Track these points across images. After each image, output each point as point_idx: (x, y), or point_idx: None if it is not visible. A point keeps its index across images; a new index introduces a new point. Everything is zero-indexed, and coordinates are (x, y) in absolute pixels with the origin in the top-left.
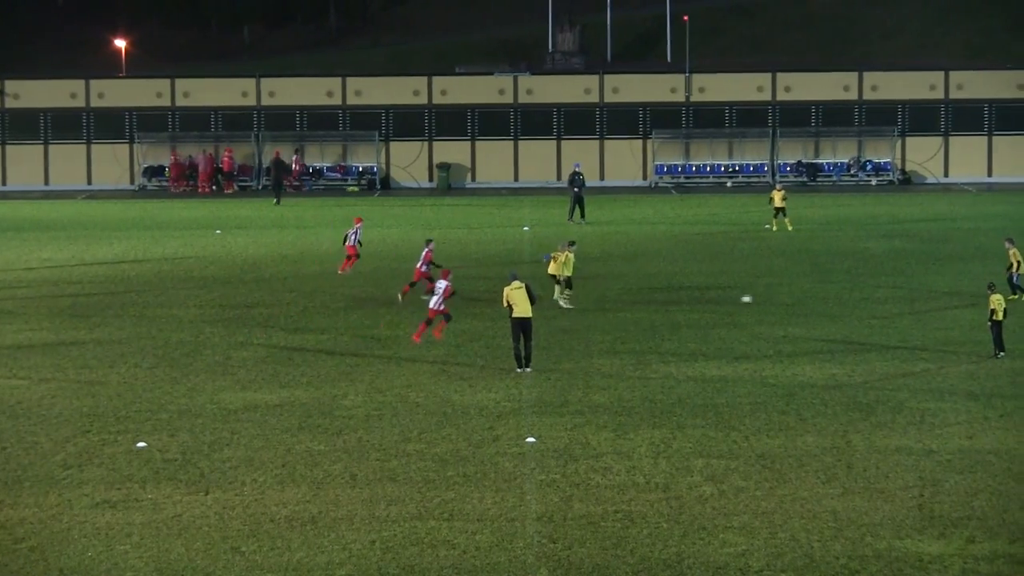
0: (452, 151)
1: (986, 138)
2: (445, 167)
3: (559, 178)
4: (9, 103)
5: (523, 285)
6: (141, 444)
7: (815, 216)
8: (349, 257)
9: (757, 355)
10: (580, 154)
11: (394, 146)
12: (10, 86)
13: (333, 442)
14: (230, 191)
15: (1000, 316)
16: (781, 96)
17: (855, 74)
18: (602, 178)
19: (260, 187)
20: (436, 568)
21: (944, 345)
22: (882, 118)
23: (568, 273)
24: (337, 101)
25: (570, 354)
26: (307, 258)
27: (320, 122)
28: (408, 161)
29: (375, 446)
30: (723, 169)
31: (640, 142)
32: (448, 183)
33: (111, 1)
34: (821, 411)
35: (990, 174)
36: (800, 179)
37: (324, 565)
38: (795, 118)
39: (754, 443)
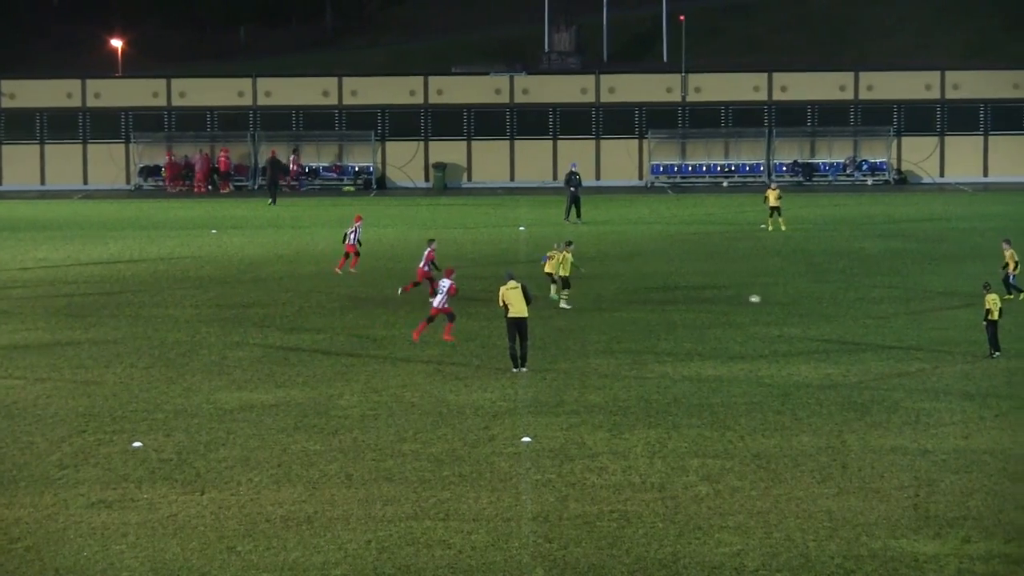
0: (448, 151)
1: (982, 138)
2: (441, 167)
3: (555, 178)
4: (5, 103)
5: (519, 285)
6: (137, 444)
7: (811, 216)
8: (347, 255)
9: (753, 355)
10: (576, 154)
11: (390, 146)
12: (6, 86)
13: (329, 442)
14: (226, 191)
15: (996, 316)
16: (777, 96)
17: (851, 74)
18: (598, 178)
19: (256, 187)
20: (432, 568)
21: (940, 345)
22: (878, 118)
23: (565, 273)
24: (333, 101)
25: (566, 354)
26: (303, 258)
27: (316, 122)
28: (404, 161)
29: (371, 446)
30: (719, 169)
31: (636, 142)
32: (444, 183)
33: (107, 1)
34: (816, 411)
35: (986, 174)
36: (796, 179)
37: (320, 565)
38: (791, 118)
39: (750, 443)
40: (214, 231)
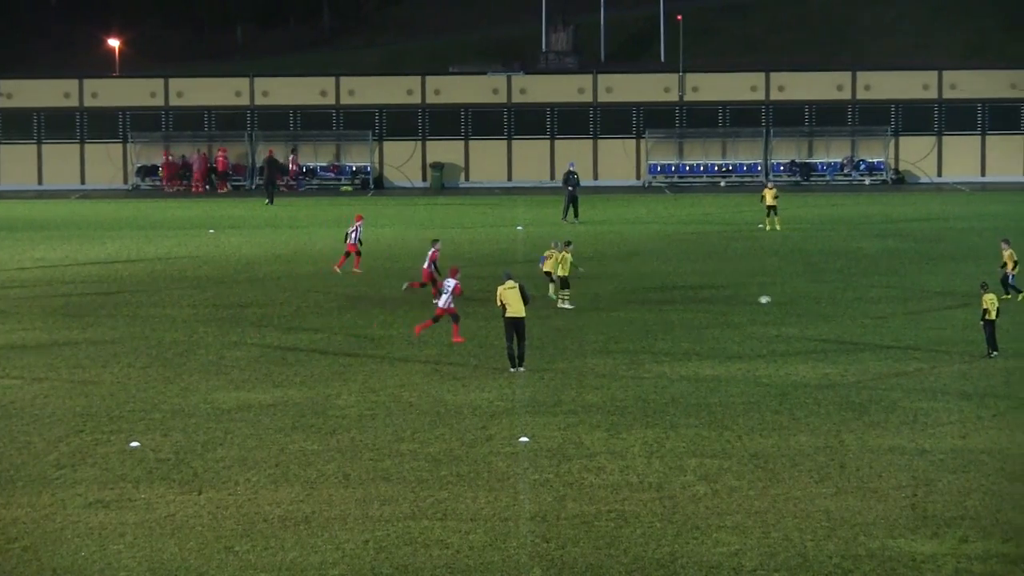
0: (445, 151)
1: (979, 138)
2: (438, 167)
3: (553, 178)
4: (2, 103)
5: (516, 285)
6: (134, 444)
7: (808, 216)
8: (348, 254)
9: (750, 355)
10: (574, 154)
11: (387, 146)
12: (3, 86)
13: (326, 442)
14: (224, 191)
15: (993, 316)
16: (775, 96)
17: (848, 74)
18: (596, 178)
19: (253, 187)
20: (429, 568)
21: (937, 345)
22: (875, 118)
23: (564, 273)
24: (331, 101)
25: (563, 353)
26: (301, 258)
27: (313, 122)
28: (401, 161)
29: (368, 446)
30: (716, 169)
31: (634, 142)
32: (441, 183)
33: (104, 1)
34: (814, 411)
35: (983, 174)
36: (793, 179)
37: (317, 565)
38: (788, 118)
39: (747, 443)
40: (211, 231)
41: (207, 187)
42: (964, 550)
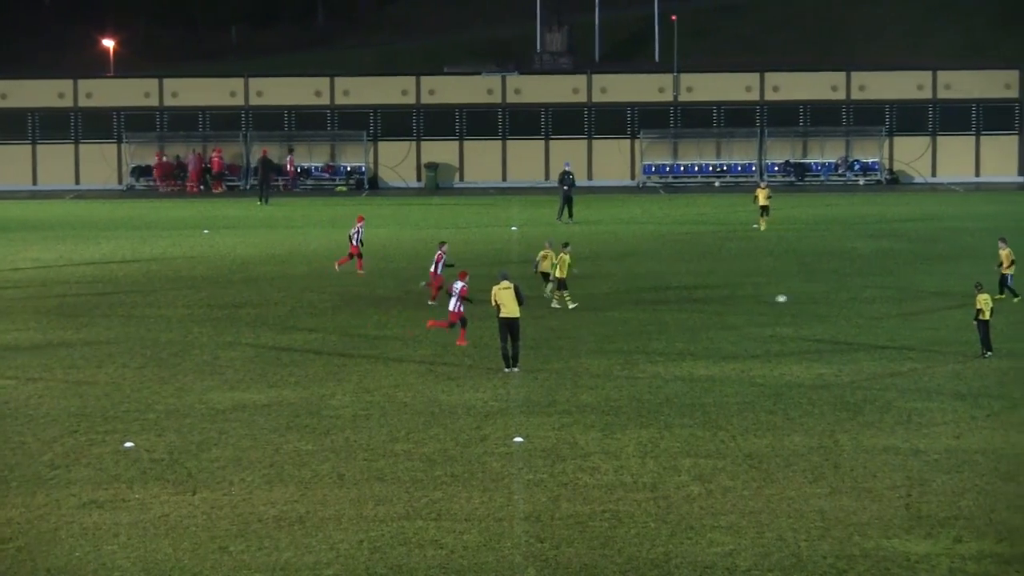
0: (440, 151)
1: (974, 138)
2: (433, 167)
3: (547, 178)
4: None
5: (512, 285)
6: (129, 444)
7: (803, 216)
8: (351, 255)
9: (745, 355)
10: (568, 154)
11: (382, 146)
12: None
13: (321, 442)
14: (219, 191)
15: (987, 316)
16: (769, 96)
17: (843, 74)
18: (590, 178)
19: (248, 187)
20: (424, 568)
21: (932, 345)
22: (870, 118)
23: (562, 274)
24: (325, 101)
25: (558, 354)
26: (295, 258)
27: (308, 122)
28: (396, 161)
29: (363, 446)
30: (711, 169)
31: (628, 142)
32: (436, 183)
33: (99, 1)
34: (809, 411)
35: (978, 174)
36: (788, 179)
37: (312, 565)
38: (783, 118)
39: (742, 443)
40: (206, 231)
41: (202, 187)
42: (958, 550)
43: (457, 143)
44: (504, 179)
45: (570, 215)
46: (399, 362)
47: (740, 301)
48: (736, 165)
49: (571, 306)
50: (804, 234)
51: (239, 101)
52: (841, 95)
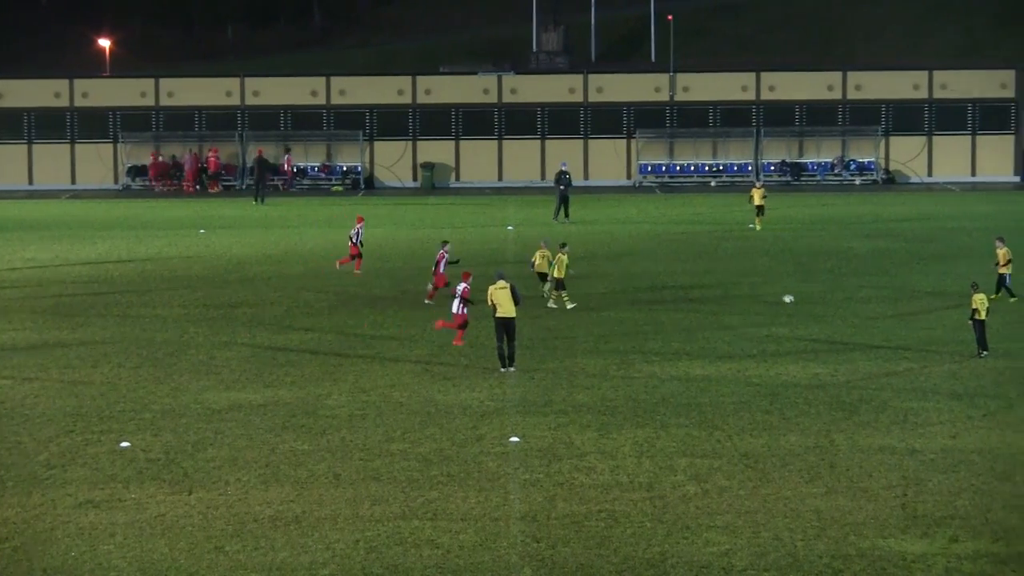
0: (436, 151)
1: (970, 137)
2: (429, 167)
3: (543, 177)
4: None
5: (508, 285)
6: (124, 444)
7: (799, 215)
8: (353, 257)
9: (741, 354)
10: (564, 154)
11: (378, 145)
12: None
13: (317, 442)
14: (215, 190)
15: (983, 315)
16: (765, 95)
17: (839, 74)
18: (586, 177)
19: (244, 187)
20: (420, 568)
21: (927, 344)
22: (866, 117)
23: (560, 275)
24: (321, 101)
25: (554, 353)
26: (291, 258)
27: (304, 122)
28: (392, 161)
29: (359, 446)
30: (707, 168)
31: (624, 141)
32: (432, 183)
33: (95, 1)
34: (804, 410)
35: (974, 173)
36: (784, 178)
37: (308, 565)
38: (779, 117)
39: (737, 442)
40: (202, 231)
41: (198, 187)
42: (954, 550)
43: (453, 143)
44: (500, 179)
45: (566, 215)
46: (395, 362)
47: (736, 301)
48: (732, 165)
49: (569, 306)
50: (800, 234)
51: (235, 101)
52: (837, 95)
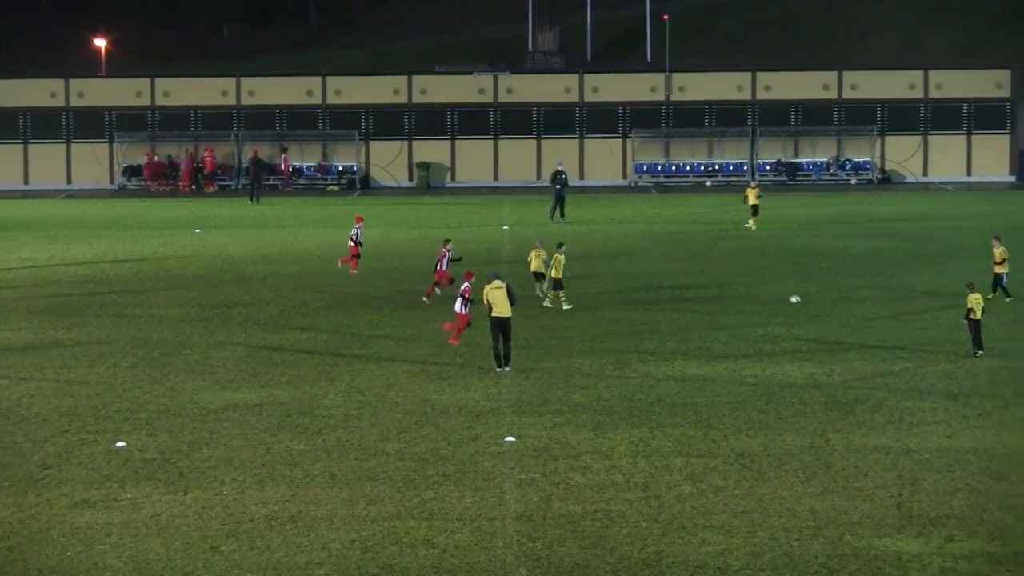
0: (432, 150)
1: (965, 137)
2: (425, 166)
3: (539, 177)
4: None
5: (504, 285)
6: (120, 444)
7: (794, 215)
8: (354, 257)
9: (737, 354)
10: (560, 153)
11: (374, 145)
12: None
13: (313, 441)
14: (211, 190)
15: (978, 315)
16: (761, 95)
17: (835, 73)
18: (582, 177)
19: (239, 186)
20: (416, 567)
21: (923, 344)
22: (861, 117)
23: (558, 275)
24: (317, 100)
25: (550, 353)
26: (287, 257)
27: (300, 121)
28: (388, 160)
29: (355, 445)
30: (703, 168)
31: (620, 141)
32: (428, 182)
33: (91, 1)
34: (800, 410)
35: (969, 173)
36: (780, 178)
37: (304, 565)
38: (775, 117)
39: (733, 442)
40: (198, 231)
41: (193, 187)
42: (950, 549)
43: (449, 142)
44: (496, 178)
45: (562, 215)
46: (391, 362)
47: (732, 301)
48: (728, 164)
49: (565, 307)
50: (796, 233)
51: (231, 101)
52: (833, 94)
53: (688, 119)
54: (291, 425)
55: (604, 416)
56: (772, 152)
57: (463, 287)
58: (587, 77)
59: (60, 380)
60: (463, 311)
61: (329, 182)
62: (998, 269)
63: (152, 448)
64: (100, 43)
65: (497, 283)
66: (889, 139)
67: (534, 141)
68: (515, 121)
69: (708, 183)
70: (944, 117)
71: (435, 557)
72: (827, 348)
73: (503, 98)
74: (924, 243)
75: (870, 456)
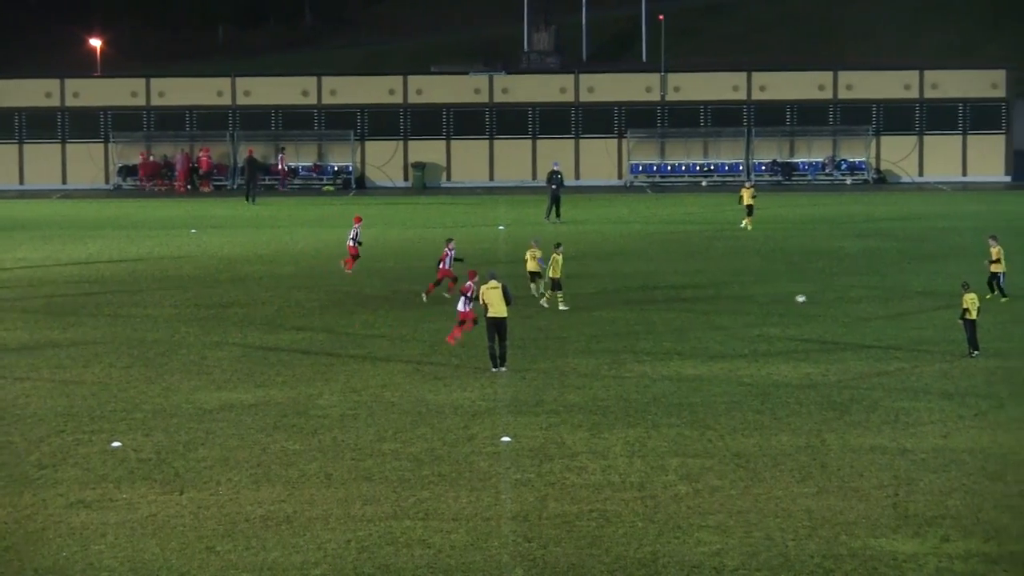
0: (427, 150)
1: (960, 137)
2: (420, 166)
3: (534, 177)
4: None
5: (499, 285)
6: (116, 444)
7: (790, 215)
8: (353, 257)
9: (732, 354)
10: (555, 153)
11: (369, 145)
12: None
13: (308, 442)
14: (206, 190)
15: (974, 315)
16: (756, 95)
17: (830, 73)
18: (577, 177)
19: (235, 186)
20: (411, 567)
21: (918, 344)
22: (857, 117)
23: (556, 275)
24: (312, 100)
25: (545, 353)
26: (283, 257)
27: (295, 121)
28: (383, 160)
29: (350, 445)
30: (698, 168)
31: (615, 141)
32: (423, 182)
33: (86, 1)
34: (796, 410)
35: (964, 173)
36: (775, 178)
37: (299, 565)
38: (770, 117)
39: (729, 442)
40: (193, 231)
41: (189, 187)
42: (945, 549)
43: (444, 143)
44: (491, 178)
45: (557, 215)
46: (387, 361)
47: (727, 301)
48: (723, 164)
49: (561, 307)
50: (791, 233)
51: (226, 101)
52: (828, 95)
53: (684, 119)
54: (287, 425)
55: (600, 416)
56: (768, 152)
57: (466, 284)
58: (583, 77)
59: (56, 380)
60: (466, 308)
61: (325, 182)
62: (995, 268)
63: (148, 448)
64: (95, 43)
65: (493, 283)
66: (885, 139)
67: (530, 141)
68: (511, 121)
69: (704, 183)
70: (939, 117)
71: (431, 557)
72: (823, 348)
73: (499, 98)
74: (919, 243)
75: (866, 456)
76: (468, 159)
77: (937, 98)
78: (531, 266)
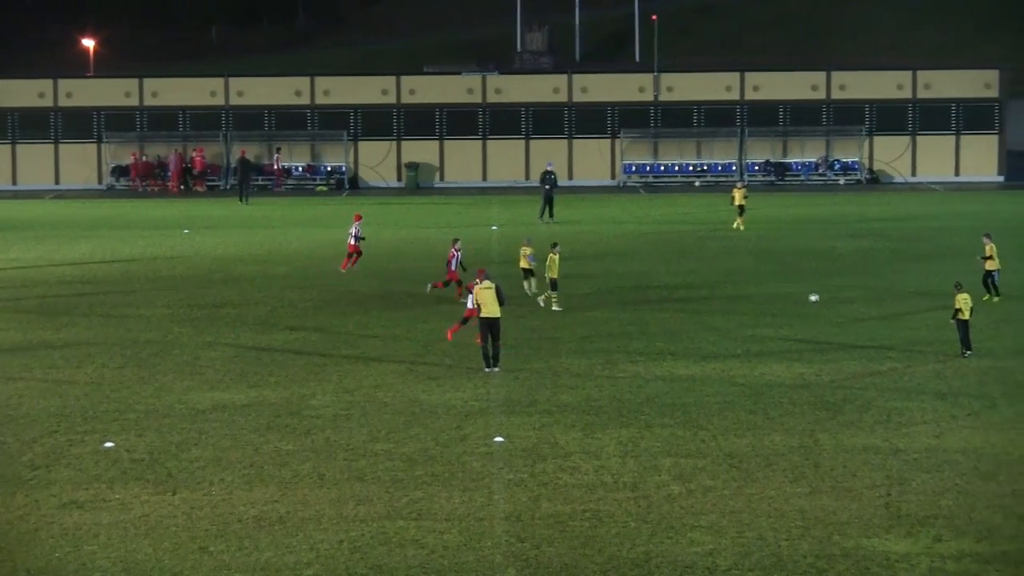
0: (420, 150)
1: (953, 137)
2: (413, 166)
3: (528, 177)
4: None
5: (493, 285)
6: (108, 444)
7: (783, 215)
8: (351, 255)
9: (725, 354)
10: (549, 153)
11: (362, 145)
12: None
13: (301, 442)
14: (200, 190)
15: (967, 315)
16: (749, 95)
17: (823, 74)
18: (571, 177)
19: (228, 187)
20: (404, 568)
21: (911, 344)
22: (850, 117)
23: (553, 275)
24: (305, 101)
25: (538, 353)
26: (276, 258)
27: (288, 122)
28: (376, 161)
29: (343, 446)
30: (691, 168)
31: (608, 141)
32: (416, 182)
33: (79, 1)
34: (789, 410)
35: (957, 173)
36: (768, 178)
37: (292, 565)
38: (763, 117)
39: (722, 442)
40: (186, 231)
41: (182, 187)
42: (938, 549)
43: (437, 143)
44: (484, 179)
45: (551, 215)
46: (380, 362)
47: (720, 301)
48: (716, 165)
49: (555, 308)
50: (784, 234)
51: (219, 101)
52: (821, 95)
53: (677, 119)
54: (280, 425)
55: (593, 416)
56: (761, 152)
57: (471, 282)
58: (576, 77)
59: (48, 380)
60: (473, 305)
61: (318, 182)
62: (989, 265)
63: (141, 448)
64: (88, 43)
65: (486, 283)
66: (877, 139)
67: (523, 141)
68: (504, 121)
69: (697, 183)
70: (932, 117)
71: (424, 557)
72: (816, 348)
73: (492, 98)
74: (912, 243)
75: (858, 456)
76: (461, 159)
77: (930, 98)
78: (524, 263)
